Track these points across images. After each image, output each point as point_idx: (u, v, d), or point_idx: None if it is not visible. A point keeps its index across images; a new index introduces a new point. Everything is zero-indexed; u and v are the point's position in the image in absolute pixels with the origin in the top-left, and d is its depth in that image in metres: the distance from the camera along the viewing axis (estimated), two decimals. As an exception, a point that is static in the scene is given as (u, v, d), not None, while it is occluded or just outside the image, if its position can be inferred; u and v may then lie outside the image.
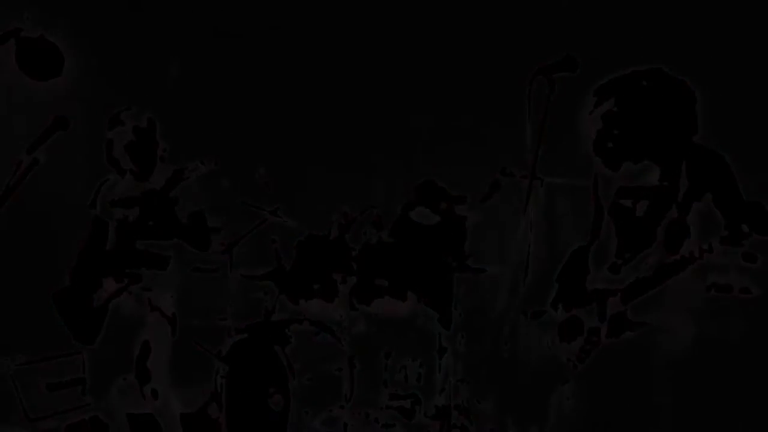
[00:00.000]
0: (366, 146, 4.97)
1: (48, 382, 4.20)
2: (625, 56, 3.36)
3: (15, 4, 4.51)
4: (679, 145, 2.68)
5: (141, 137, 3.70)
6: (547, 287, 2.93)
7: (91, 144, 3.99)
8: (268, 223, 4.39)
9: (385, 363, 3.96)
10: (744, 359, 3.06)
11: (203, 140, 4.60)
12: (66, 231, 4.25)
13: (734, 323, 3.04)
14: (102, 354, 3.62)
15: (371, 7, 4.73)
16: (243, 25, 5.04)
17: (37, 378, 4.20)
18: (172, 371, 3.64)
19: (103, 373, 3.69)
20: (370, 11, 4.75)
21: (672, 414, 2.59)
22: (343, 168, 4.93)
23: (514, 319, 3.14)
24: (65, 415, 4.19)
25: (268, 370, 3.81)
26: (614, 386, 2.65)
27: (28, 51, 4.64)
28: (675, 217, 2.60)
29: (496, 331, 3.27)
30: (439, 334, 3.95)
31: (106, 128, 3.74)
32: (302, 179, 4.98)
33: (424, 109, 4.86)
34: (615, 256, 2.75)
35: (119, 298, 3.59)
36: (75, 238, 3.81)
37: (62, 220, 4.47)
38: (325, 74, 5.00)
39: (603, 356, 2.66)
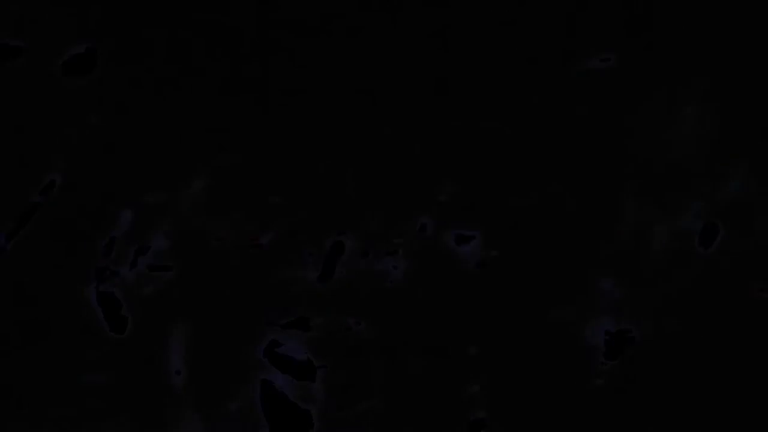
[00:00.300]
0: (400, 149, 4.97)
1: (88, 375, 4.29)
2: (663, 55, 3.37)
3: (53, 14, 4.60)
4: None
5: (171, 136, 3.77)
6: (576, 288, 2.95)
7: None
8: (300, 221, 4.43)
9: (414, 360, 3.98)
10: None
11: (234, 136, 4.63)
12: (92, 227, 4.30)
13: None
14: (133, 347, 3.68)
15: (404, 5, 4.72)
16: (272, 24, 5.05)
17: (73, 371, 4.30)
18: (205, 364, 3.69)
19: (135, 366, 3.75)
20: (404, 9, 4.75)
21: (704, 416, 2.61)
22: (377, 167, 4.95)
23: (544, 318, 3.16)
24: (102, 409, 4.28)
25: (301, 367, 3.85)
26: (644, 384, 2.67)
27: (64, 55, 4.76)
28: (709, 217, 2.63)
29: (524, 330, 3.29)
30: (469, 333, 3.97)
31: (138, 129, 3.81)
32: (334, 179, 5.00)
33: (452, 112, 4.85)
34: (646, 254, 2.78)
35: (150, 291, 3.66)
36: (98, 234, 3.87)
37: (90, 217, 4.52)
38: (356, 73, 5.00)
39: (633, 354, 2.68)
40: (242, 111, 4.92)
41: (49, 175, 3.07)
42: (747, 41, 3.38)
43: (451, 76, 4.71)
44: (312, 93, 4.90)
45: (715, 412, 2.65)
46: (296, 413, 3.89)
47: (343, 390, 3.87)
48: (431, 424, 3.90)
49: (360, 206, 4.36)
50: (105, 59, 4.59)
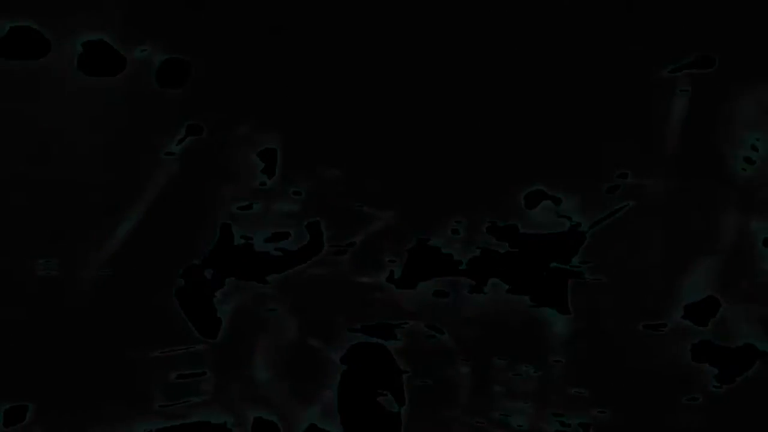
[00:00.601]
0: (481, 152, 4.95)
1: (179, 373, 4.53)
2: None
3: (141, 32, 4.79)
4: None
5: (264, 148, 3.84)
6: (670, 298, 2.85)
7: (216, 152, 4.15)
8: (381, 228, 4.46)
9: (499, 368, 3.94)
10: None
11: (322, 147, 4.70)
12: (188, 234, 4.44)
13: None
14: (223, 350, 3.77)
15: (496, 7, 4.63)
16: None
17: (166, 369, 4.51)
18: (289, 368, 3.74)
19: (224, 368, 3.84)
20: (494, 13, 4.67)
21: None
22: (457, 174, 4.93)
23: (634, 329, 3.08)
24: (191, 405, 4.46)
25: (383, 372, 3.86)
26: (747, 408, 2.56)
27: (160, 67, 4.97)
28: None
29: (615, 340, 3.22)
30: (556, 342, 3.90)
31: (231, 139, 3.91)
32: (416, 185, 5.00)
33: (539, 112, 4.78)
34: (751, 269, 2.67)
35: (241, 297, 3.74)
36: (194, 241, 3.98)
37: (187, 224, 4.66)
38: (440, 80, 4.99)
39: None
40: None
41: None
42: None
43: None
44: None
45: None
46: (383, 419, 3.89)
47: (428, 398, 3.85)
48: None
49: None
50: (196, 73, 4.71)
